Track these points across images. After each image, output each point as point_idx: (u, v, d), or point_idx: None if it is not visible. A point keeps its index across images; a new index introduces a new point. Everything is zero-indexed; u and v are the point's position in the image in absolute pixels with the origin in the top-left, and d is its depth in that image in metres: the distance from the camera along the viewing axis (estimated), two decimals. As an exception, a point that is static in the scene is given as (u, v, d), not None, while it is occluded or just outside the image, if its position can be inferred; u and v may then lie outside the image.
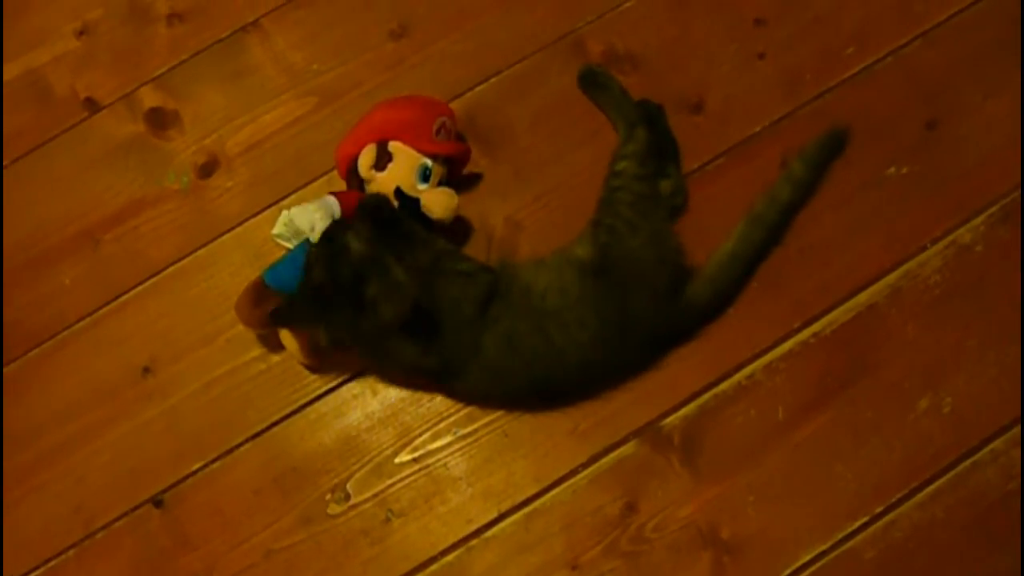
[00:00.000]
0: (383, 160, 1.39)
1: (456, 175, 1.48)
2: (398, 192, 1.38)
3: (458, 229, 1.47)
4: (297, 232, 1.36)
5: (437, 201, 1.38)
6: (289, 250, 1.38)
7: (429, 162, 1.39)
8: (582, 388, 1.39)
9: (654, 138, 1.44)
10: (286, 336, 1.40)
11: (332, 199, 1.37)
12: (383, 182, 1.39)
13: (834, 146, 1.45)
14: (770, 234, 1.41)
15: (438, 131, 1.41)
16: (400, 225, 1.34)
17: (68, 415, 1.47)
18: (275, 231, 1.38)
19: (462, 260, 1.38)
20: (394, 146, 1.39)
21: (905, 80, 1.50)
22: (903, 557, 1.30)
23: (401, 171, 1.39)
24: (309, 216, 1.34)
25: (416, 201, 1.38)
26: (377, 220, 1.32)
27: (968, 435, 1.34)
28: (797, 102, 1.50)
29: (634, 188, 1.40)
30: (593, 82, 1.52)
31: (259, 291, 1.37)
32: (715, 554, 1.32)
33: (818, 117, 1.49)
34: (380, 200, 1.35)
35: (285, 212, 1.37)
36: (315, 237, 1.33)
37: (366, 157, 1.39)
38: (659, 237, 1.39)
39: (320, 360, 1.43)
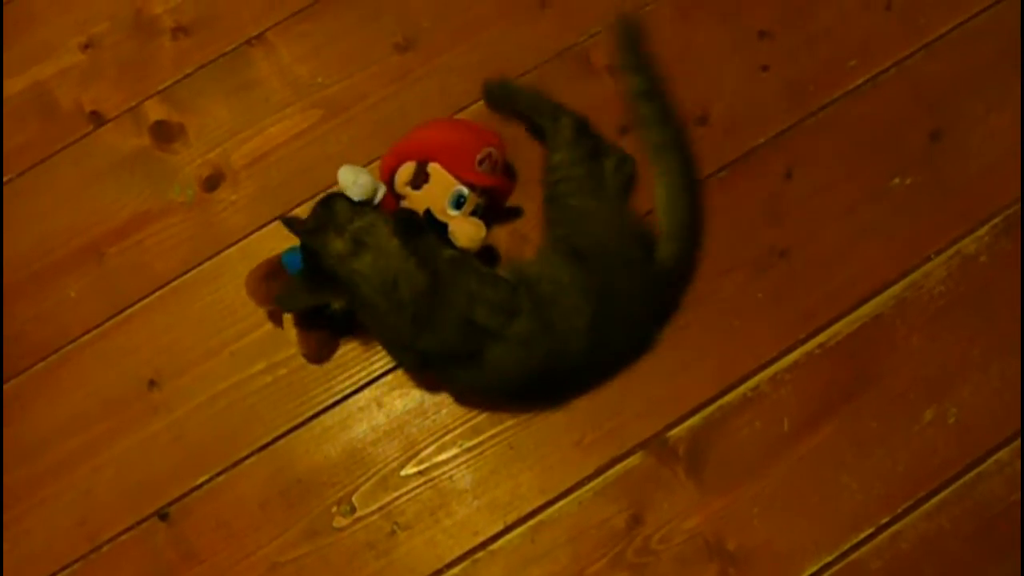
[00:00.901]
0: (419, 179, 1.39)
1: (497, 208, 1.48)
2: (427, 214, 1.38)
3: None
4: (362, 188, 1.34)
5: (464, 231, 1.37)
6: None
7: (465, 190, 1.38)
8: (587, 377, 1.39)
9: (578, 121, 1.44)
10: (290, 327, 1.40)
11: (381, 184, 1.37)
12: (416, 201, 1.39)
13: (631, 33, 1.49)
14: (680, 152, 1.44)
15: (481, 161, 1.40)
16: (422, 234, 1.34)
17: (73, 428, 1.46)
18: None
19: (483, 267, 1.37)
20: (433, 167, 1.38)
21: (908, 92, 1.50)
22: (909, 568, 1.30)
23: (435, 194, 1.38)
24: (355, 175, 1.32)
25: (444, 226, 1.37)
26: (399, 227, 1.30)
27: (973, 446, 1.34)
28: (801, 114, 1.50)
29: (574, 174, 1.40)
30: (500, 95, 1.52)
31: (272, 267, 1.38)
32: (721, 566, 1.32)
33: (822, 128, 1.49)
34: (408, 214, 1.35)
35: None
36: (356, 192, 1.32)
37: (404, 173, 1.40)
38: (614, 214, 1.40)
39: (324, 354, 1.44)
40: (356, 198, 1.31)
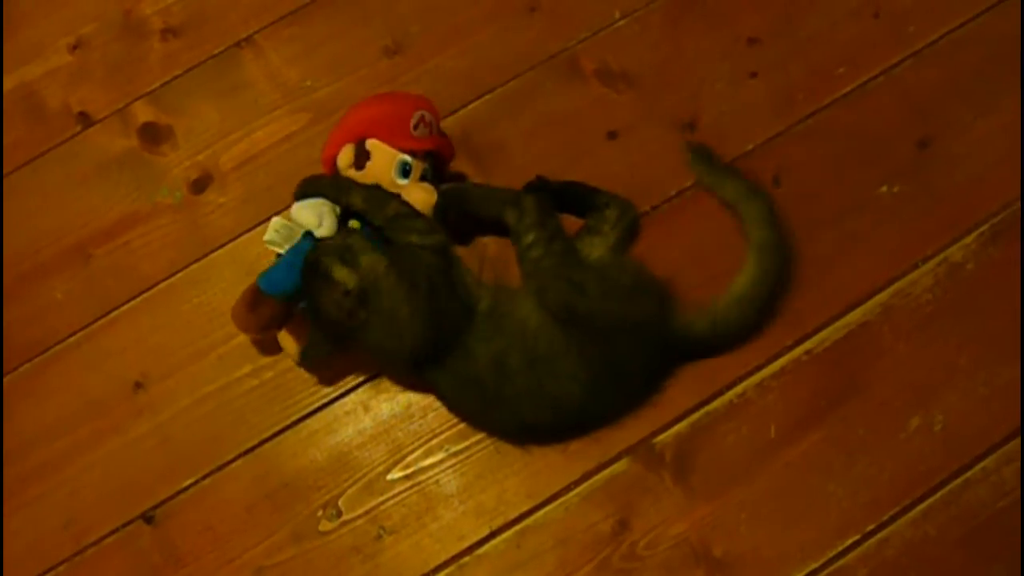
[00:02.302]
0: (362, 159, 1.39)
1: (442, 169, 1.48)
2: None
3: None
4: (289, 236, 1.36)
5: (416, 197, 1.37)
6: (280, 255, 1.37)
7: (408, 158, 1.39)
8: (575, 432, 1.38)
9: (539, 198, 1.39)
10: (284, 338, 1.40)
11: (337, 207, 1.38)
12: (364, 180, 1.39)
13: (703, 155, 1.48)
14: (779, 255, 1.40)
15: (416, 125, 1.40)
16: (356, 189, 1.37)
17: (59, 430, 1.46)
18: (267, 237, 1.37)
19: (413, 228, 1.36)
20: (371, 144, 1.39)
21: (897, 99, 1.51)
22: (895, 575, 1.30)
23: (380, 169, 1.39)
24: (315, 210, 1.35)
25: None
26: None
27: (959, 453, 1.34)
28: (790, 121, 1.51)
29: (554, 250, 1.35)
30: (452, 201, 1.42)
31: (255, 296, 1.37)
32: (707, 572, 1.32)
33: (810, 136, 1.50)
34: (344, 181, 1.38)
35: (276, 219, 1.37)
36: (324, 231, 1.34)
37: (344, 157, 1.40)
38: (614, 273, 1.38)
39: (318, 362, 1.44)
40: (326, 234, 1.34)
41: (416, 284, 1.30)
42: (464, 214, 1.43)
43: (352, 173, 1.40)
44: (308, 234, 1.36)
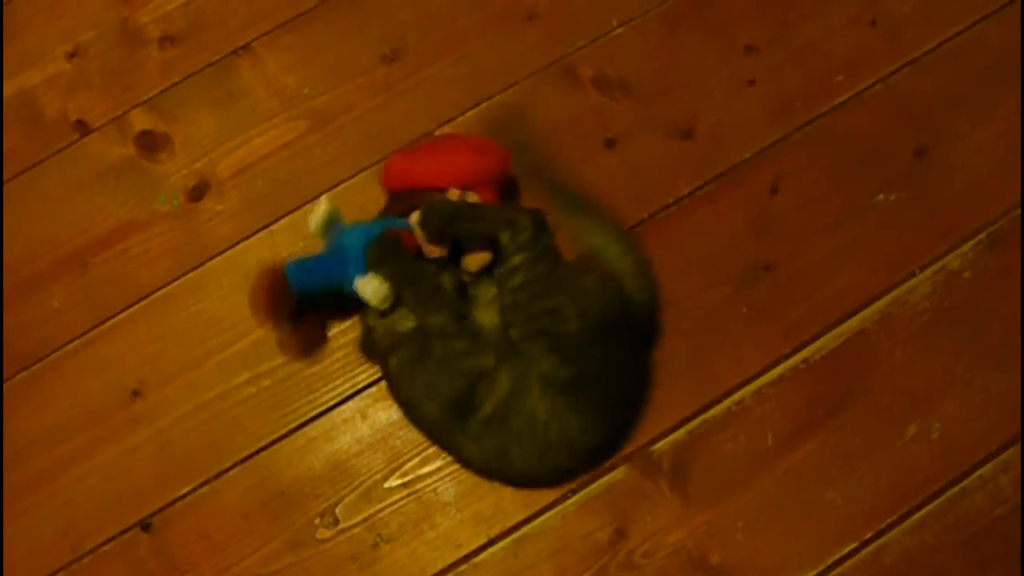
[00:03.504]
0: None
1: None
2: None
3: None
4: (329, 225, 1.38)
5: (477, 258, 1.37)
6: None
7: None
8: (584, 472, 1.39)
9: (536, 217, 1.35)
10: (280, 332, 1.42)
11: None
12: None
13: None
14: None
15: (499, 182, 1.42)
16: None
17: (56, 438, 1.46)
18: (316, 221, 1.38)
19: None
20: (473, 198, 1.38)
21: (894, 107, 1.51)
22: (893, 583, 1.31)
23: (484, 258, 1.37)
24: (378, 290, 1.34)
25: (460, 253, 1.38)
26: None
27: (957, 461, 1.35)
28: (787, 128, 1.51)
29: (539, 273, 1.32)
30: (439, 223, 1.36)
31: (275, 280, 1.35)
32: (705, 580, 1.32)
33: (807, 144, 1.50)
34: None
35: (326, 205, 1.38)
36: (381, 303, 1.34)
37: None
38: (582, 290, 1.35)
39: (311, 349, 1.45)
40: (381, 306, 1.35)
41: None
42: (454, 233, 1.37)
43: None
44: (348, 232, 1.37)
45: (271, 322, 1.42)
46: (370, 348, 1.41)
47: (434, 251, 1.36)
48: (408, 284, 1.34)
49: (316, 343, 1.45)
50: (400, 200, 1.41)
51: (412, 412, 1.38)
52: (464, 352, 1.32)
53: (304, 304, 1.39)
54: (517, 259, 1.32)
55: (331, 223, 1.38)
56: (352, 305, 1.37)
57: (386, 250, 1.34)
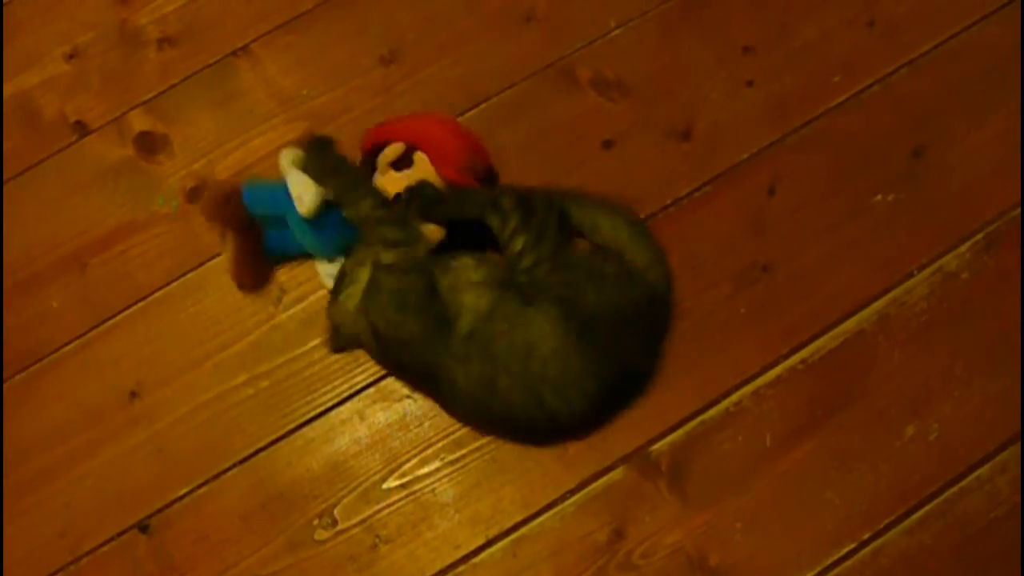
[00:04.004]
0: (403, 162, 1.40)
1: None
2: (397, 196, 1.39)
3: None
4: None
5: (427, 227, 1.38)
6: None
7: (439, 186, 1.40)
8: (570, 435, 1.39)
9: (519, 195, 1.36)
10: (227, 250, 1.44)
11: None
12: (391, 182, 1.40)
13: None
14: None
15: (466, 167, 1.41)
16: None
17: (54, 439, 1.46)
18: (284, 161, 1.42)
19: (382, 236, 1.36)
20: (419, 156, 1.40)
21: (891, 108, 1.51)
22: (891, 584, 1.31)
23: (411, 182, 1.39)
24: (306, 189, 1.37)
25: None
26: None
27: (954, 462, 1.35)
28: (785, 129, 1.51)
29: (544, 253, 1.34)
30: (424, 204, 1.38)
31: (230, 192, 1.43)
32: (703, 581, 1.33)
33: (805, 144, 1.50)
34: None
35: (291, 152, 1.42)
36: (302, 209, 1.36)
37: (391, 152, 1.40)
38: (599, 270, 1.36)
39: (259, 283, 1.48)
40: (303, 212, 1.37)
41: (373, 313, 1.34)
42: (441, 215, 1.39)
43: (387, 169, 1.41)
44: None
45: (219, 231, 1.45)
46: (340, 340, 1.42)
47: (434, 233, 1.37)
48: (334, 175, 1.37)
49: (262, 276, 1.48)
50: (372, 156, 1.44)
51: (397, 348, 1.35)
52: (399, 241, 1.34)
53: (263, 251, 1.44)
54: (518, 244, 1.34)
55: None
56: (295, 248, 1.42)
57: (318, 147, 1.40)
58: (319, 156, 1.40)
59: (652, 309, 1.39)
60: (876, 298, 1.42)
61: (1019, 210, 1.45)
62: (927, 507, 1.33)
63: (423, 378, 1.37)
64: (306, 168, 1.38)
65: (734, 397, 1.39)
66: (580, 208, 1.43)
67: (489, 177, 1.49)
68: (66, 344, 1.50)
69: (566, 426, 1.36)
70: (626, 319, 1.33)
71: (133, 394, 1.46)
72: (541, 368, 1.29)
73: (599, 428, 1.38)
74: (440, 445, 1.40)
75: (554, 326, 1.30)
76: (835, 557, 1.31)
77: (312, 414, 1.43)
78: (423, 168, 1.39)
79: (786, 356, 1.40)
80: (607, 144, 1.52)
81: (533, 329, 1.30)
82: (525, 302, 1.32)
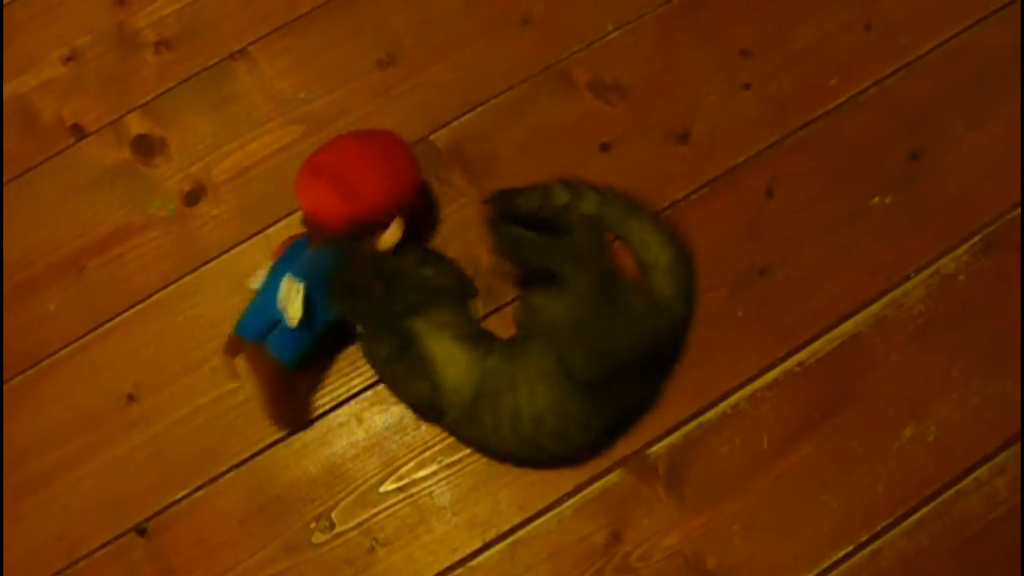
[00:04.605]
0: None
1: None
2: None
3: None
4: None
5: (389, 237, 1.37)
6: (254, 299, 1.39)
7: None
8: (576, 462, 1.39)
9: (597, 234, 1.38)
10: (251, 378, 1.40)
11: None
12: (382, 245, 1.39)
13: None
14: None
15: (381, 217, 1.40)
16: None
17: (51, 442, 1.45)
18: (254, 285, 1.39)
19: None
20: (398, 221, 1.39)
21: (888, 111, 1.51)
22: (889, 586, 1.31)
23: (394, 237, 1.38)
24: (296, 296, 1.33)
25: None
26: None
27: (952, 464, 1.35)
28: (782, 132, 1.51)
29: (591, 302, 1.32)
30: (509, 244, 1.40)
31: (236, 345, 1.37)
32: (700, 583, 1.32)
33: (803, 147, 1.50)
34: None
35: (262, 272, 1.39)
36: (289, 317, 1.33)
37: (395, 234, 1.38)
38: (634, 315, 1.34)
39: (297, 414, 1.44)
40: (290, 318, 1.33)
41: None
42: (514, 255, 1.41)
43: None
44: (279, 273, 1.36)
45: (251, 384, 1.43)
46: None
47: (391, 235, 1.37)
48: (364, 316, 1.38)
49: (298, 407, 1.44)
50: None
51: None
52: (403, 379, 1.37)
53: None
54: (580, 287, 1.32)
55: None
56: (305, 340, 1.37)
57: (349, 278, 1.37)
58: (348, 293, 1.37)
59: (668, 336, 1.39)
60: (874, 300, 1.42)
61: (1017, 212, 1.45)
62: (925, 509, 1.33)
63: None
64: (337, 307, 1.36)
65: (731, 400, 1.39)
66: (637, 222, 1.43)
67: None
68: (63, 347, 1.50)
69: (571, 457, 1.37)
70: (639, 358, 1.33)
71: (131, 397, 1.46)
72: (533, 427, 1.29)
73: (605, 447, 1.39)
74: (437, 448, 1.40)
75: (548, 384, 1.29)
76: (833, 559, 1.31)
77: (309, 417, 1.43)
78: (398, 228, 1.38)
79: (783, 358, 1.40)
80: (605, 147, 1.52)
81: (520, 394, 1.30)
82: (507, 357, 1.33)
